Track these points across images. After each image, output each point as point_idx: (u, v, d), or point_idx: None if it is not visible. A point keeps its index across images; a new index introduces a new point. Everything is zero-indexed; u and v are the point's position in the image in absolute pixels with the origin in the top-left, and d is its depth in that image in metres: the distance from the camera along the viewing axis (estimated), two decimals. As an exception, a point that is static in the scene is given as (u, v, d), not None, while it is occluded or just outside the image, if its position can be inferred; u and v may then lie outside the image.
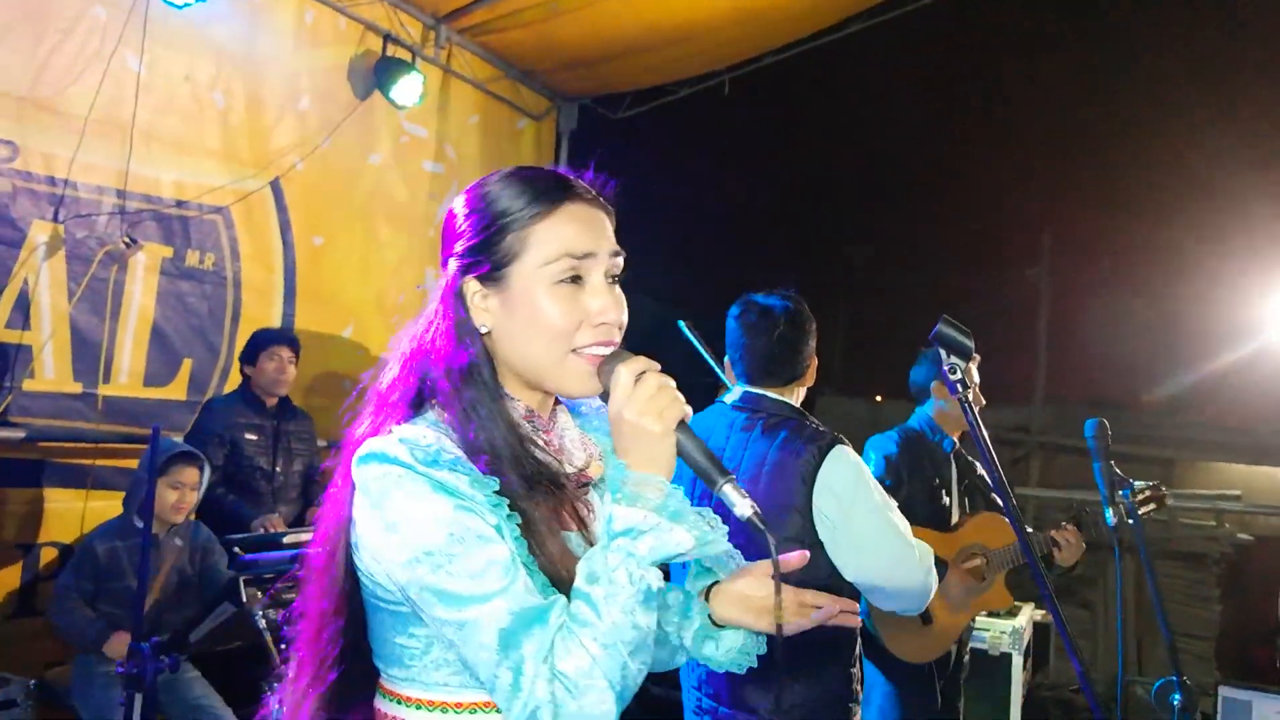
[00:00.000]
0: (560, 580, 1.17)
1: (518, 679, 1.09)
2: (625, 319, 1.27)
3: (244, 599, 2.71)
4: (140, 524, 3.48)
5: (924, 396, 3.65)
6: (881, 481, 2.81)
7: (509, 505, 1.17)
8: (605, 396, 1.22)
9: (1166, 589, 7.20)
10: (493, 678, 1.11)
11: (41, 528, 4.27)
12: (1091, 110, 6.39)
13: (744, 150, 6.58)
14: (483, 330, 1.26)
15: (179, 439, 4.18)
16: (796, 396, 2.60)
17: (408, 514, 1.14)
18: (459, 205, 1.30)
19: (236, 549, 3.04)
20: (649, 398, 1.16)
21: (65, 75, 4.19)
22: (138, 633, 2.71)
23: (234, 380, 4.73)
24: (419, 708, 1.23)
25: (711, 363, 2.73)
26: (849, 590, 2.38)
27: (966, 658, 3.53)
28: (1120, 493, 2.23)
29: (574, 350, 1.23)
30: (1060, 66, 6.29)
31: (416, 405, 1.26)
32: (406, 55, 5.45)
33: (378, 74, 5.34)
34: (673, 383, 1.19)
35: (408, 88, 5.36)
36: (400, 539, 1.14)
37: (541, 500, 1.21)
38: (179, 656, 2.91)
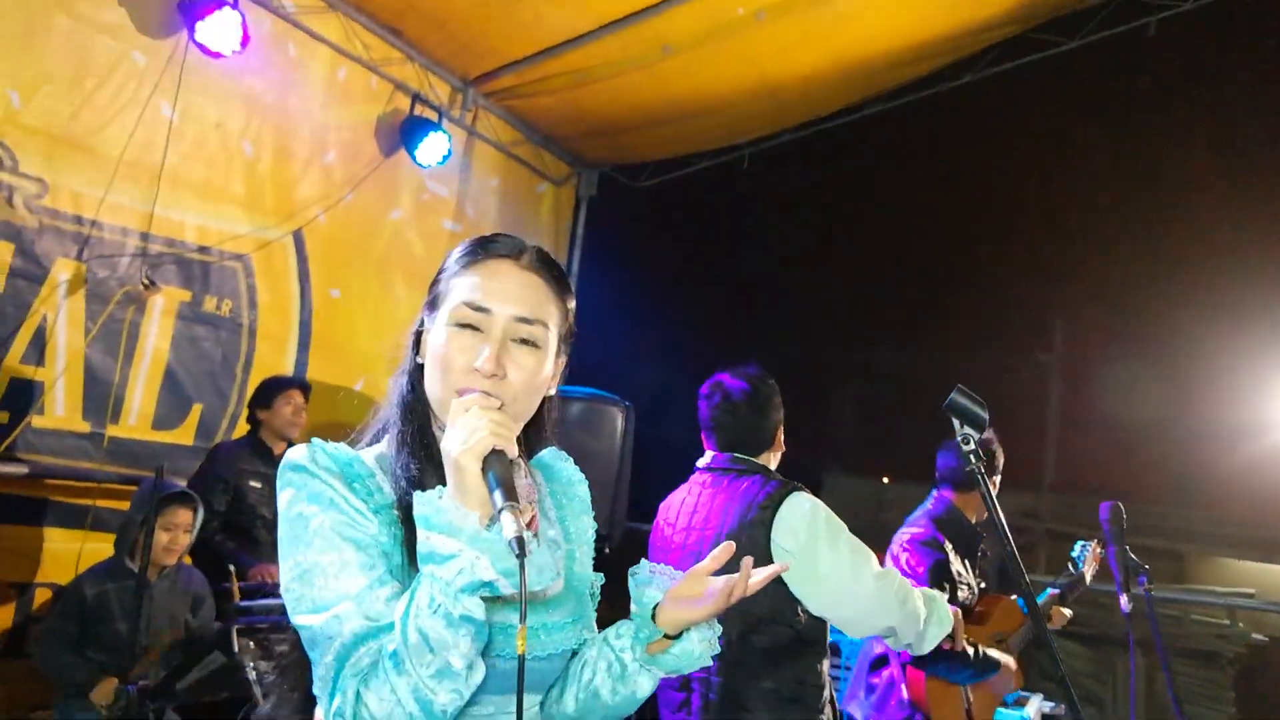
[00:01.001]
0: None
1: (334, 682, 1.16)
2: (520, 379, 1.30)
3: (235, 649, 2.64)
4: (133, 565, 3.42)
5: (951, 481, 3.55)
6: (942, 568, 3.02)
7: (399, 518, 1.25)
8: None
9: (1179, 688, 7.02)
10: (320, 681, 1.19)
11: (38, 568, 4.21)
12: (1107, 199, 6.45)
13: (760, 224, 6.65)
14: (419, 361, 1.38)
15: (183, 483, 4.15)
16: (771, 461, 2.76)
17: (289, 520, 1.24)
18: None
19: (228, 588, 2.99)
20: (464, 427, 1.18)
21: (101, 117, 4.27)
22: (124, 676, 2.64)
23: (242, 428, 4.71)
24: None
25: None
26: (819, 630, 2.49)
27: None
28: (1136, 580, 2.17)
29: (455, 390, 1.29)
30: (1074, 154, 6.37)
31: (381, 433, 1.40)
32: (433, 115, 5.55)
33: (404, 132, 5.43)
34: (502, 417, 1.21)
35: (432, 147, 5.44)
36: (281, 538, 1.24)
37: None
38: (165, 704, 2.83)
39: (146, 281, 4.41)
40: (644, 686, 1.41)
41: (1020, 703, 4.20)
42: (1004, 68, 5.75)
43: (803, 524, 2.44)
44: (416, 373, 1.37)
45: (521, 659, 1.13)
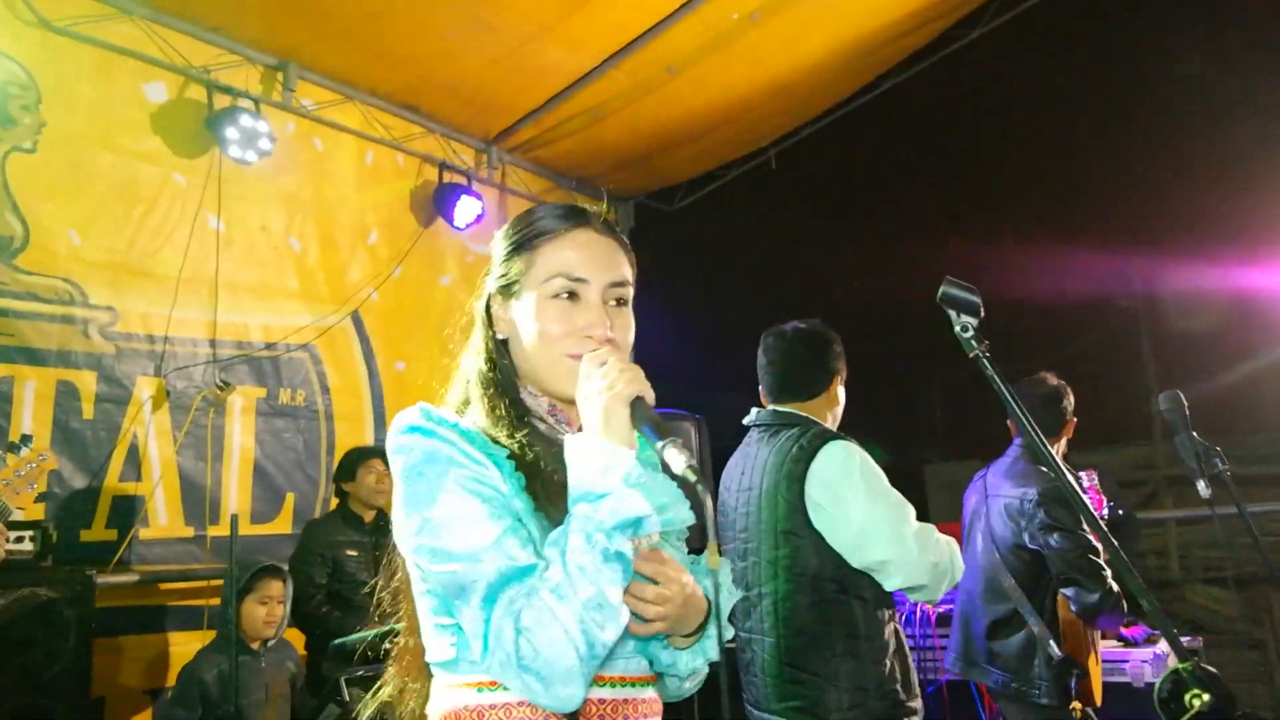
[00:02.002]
0: None
1: (487, 629, 1.18)
2: (622, 337, 1.38)
3: (347, 697, 2.73)
4: (244, 639, 3.56)
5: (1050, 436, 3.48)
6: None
7: (515, 467, 1.29)
8: None
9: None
10: (472, 631, 1.20)
11: (169, 672, 4.39)
12: (1154, 126, 6.26)
13: (798, 220, 6.64)
14: (500, 338, 1.43)
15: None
16: (824, 416, 2.68)
17: (412, 479, 1.27)
18: (500, 232, 1.50)
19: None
20: (605, 379, 1.26)
21: (154, 240, 4.54)
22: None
23: (334, 502, 4.87)
24: (456, 690, 1.28)
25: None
26: (868, 584, 2.44)
27: None
28: (1212, 461, 2.10)
29: (565, 354, 1.35)
30: (1111, 87, 6.21)
31: (460, 410, 1.41)
32: (462, 179, 5.74)
33: (437, 201, 5.63)
34: (635, 367, 1.28)
35: (466, 210, 5.62)
36: (406, 501, 1.27)
37: (549, 466, 1.31)
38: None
39: (221, 384, 4.63)
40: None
41: (1151, 640, 4.04)
42: (1015, 12, 5.68)
43: (836, 474, 2.42)
44: (497, 349, 1.43)
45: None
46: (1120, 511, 3.61)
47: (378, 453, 4.61)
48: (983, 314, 1.45)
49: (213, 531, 4.61)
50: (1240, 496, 2.25)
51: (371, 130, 5.46)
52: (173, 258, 4.58)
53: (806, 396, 2.68)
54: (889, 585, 2.41)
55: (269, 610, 3.61)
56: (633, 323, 1.41)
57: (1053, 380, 3.54)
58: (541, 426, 1.40)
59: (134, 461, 4.39)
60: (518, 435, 1.33)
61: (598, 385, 1.26)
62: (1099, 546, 3.05)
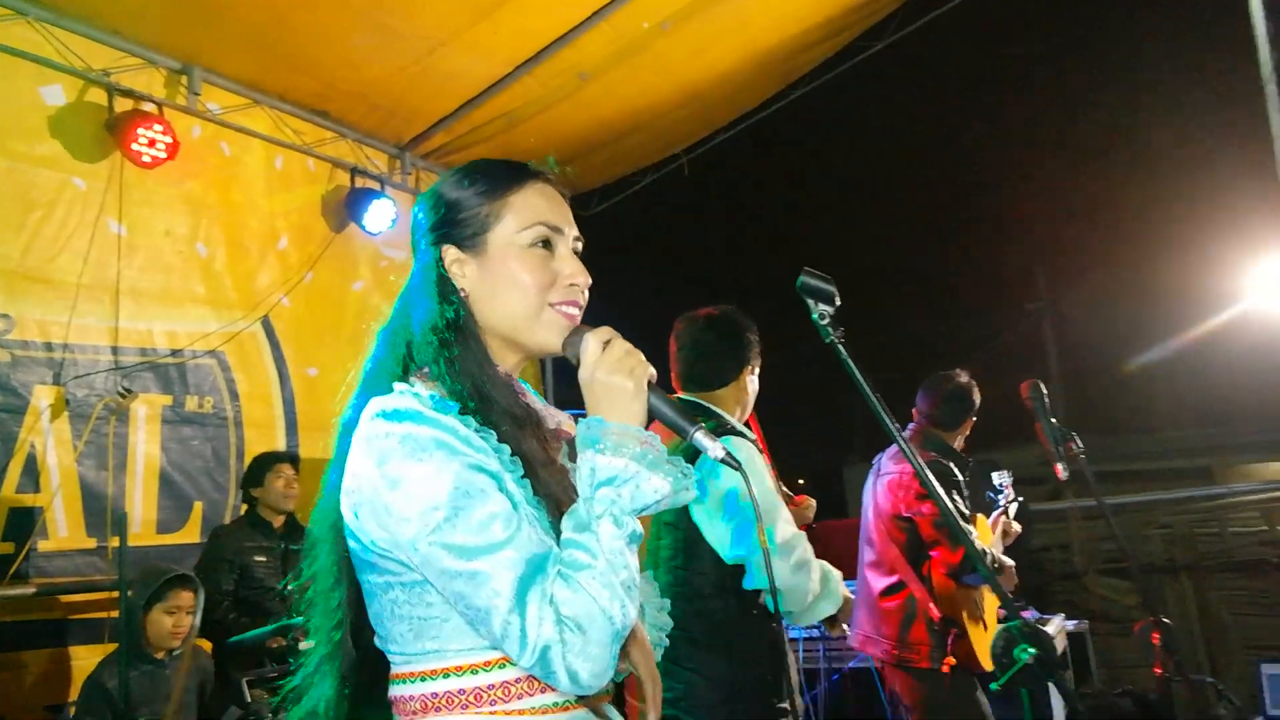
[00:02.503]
0: (554, 514, 1.26)
1: (524, 623, 1.15)
2: (589, 284, 1.37)
3: (249, 698, 2.72)
4: (149, 650, 3.52)
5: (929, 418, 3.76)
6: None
7: (509, 452, 1.25)
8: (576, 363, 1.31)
9: (1230, 603, 6.93)
10: (504, 624, 1.16)
11: (71, 687, 4.29)
12: (1050, 133, 6.54)
13: (710, 226, 6.76)
14: (462, 293, 1.34)
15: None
16: (730, 408, 2.60)
17: (411, 470, 1.19)
18: (429, 193, 1.42)
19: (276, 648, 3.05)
20: (618, 359, 1.26)
21: (52, 246, 4.44)
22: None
23: (243, 508, 4.81)
24: (447, 676, 1.24)
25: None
26: (736, 578, 2.41)
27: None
28: (1069, 445, 2.24)
29: (549, 304, 1.33)
30: (1001, 96, 6.47)
31: (400, 378, 1.32)
32: (375, 185, 5.72)
33: (349, 206, 5.60)
34: (637, 349, 1.28)
35: (380, 215, 5.60)
36: (405, 495, 1.19)
37: (534, 444, 1.30)
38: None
39: (123, 391, 4.54)
40: None
41: (1042, 623, 4.23)
42: (916, 25, 5.89)
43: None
44: (458, 295, 1.33)
45: (767, 553, 1.30)
46: (1019, 503, 3.88)
47: (286, 457, 4.58)
48: (838, 302, 1.54)
49: (114, 543, 4.51)
50: (1121, 488, 2.41)
51: (281, 135, 5.42)
52: (72, 263, 4.48)
53: (713, 386, 2.60)
54: (747, 583, 2.38)
55: (176, 620, 3.56)
56: None
57: (961, 378, 3.74)
58: (511, 392, 1.34)
59: (31, 472, 4.28)
60: (501, 406, 1.29)
61: (610, 365, 1.25)
62: (962, 514, 3.29)
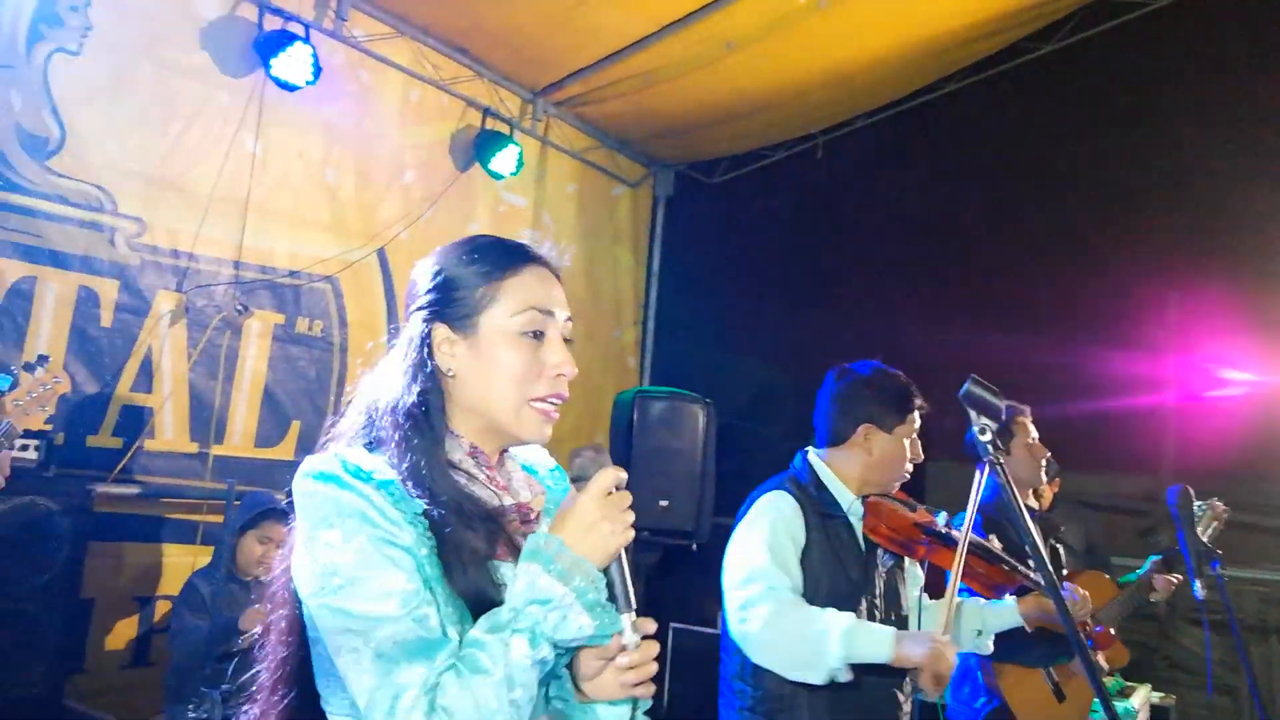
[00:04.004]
0: (481, 603, 1.24)
1: (395, 703, 1.14)
2: (575, 374, 1.39)
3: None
4: (233, 570, 3.65)
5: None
6: None
7: (429, 527, 1.25)
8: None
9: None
10: (370, 701, 1.15)
11: (159, 582, 4.49)
12: (1207, 163, 6.10)
13: (838, 212, 6.55)
14: (449, 373, 1.36)
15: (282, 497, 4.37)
16: (849, 469, 2.52)
17: (322, 531, 1.21)
18: (428, 264, 1.44)
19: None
20: (615, 512, 1.25)
21: (190, 157, 4.52)
22: (215, 680, 2.81)
23: (338, 441, 4.92)
24: None
25: None
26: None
27: None
28: (1209, 565, 2.09)
29: (530, 400, 1.35)
30: (1175, 115, 6.04)
31: (368, 446, 1.34)
32: (505, 128, 5.67)
33: (477, 147, 5.57)
34: (631, 513, 1.28)
35: (506, 159, 5.57)
36: (312, 554, 1.22)
37: (470, 531, 1.27)
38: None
39: (240, 307, 4.65)
40: None
41: (1125, 693, 4.06)
42: (1088, 34, 5.53)
43: (746, 516, 2.38)
44: (430, 379, 1.34)
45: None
46: None
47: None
48: (1003, 419, 1.44)
49: (216, 450, 4.67)
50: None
51: (420, 68, 5.39)
52: (206, 175, 4.56)
53: (828, 444, 2.57)
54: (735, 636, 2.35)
55: (265, 550, 3.67)
56: None
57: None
58: (460, 477, 1.33)
59: (146, 373, 4.43)
60: (438, 495, 1.27)
61: (609, 506, 1.25)
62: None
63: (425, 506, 1.25)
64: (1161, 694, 4.44)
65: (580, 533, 1.23)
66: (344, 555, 1.19)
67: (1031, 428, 3.37)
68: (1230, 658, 7.04)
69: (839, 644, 2.18)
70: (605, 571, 1.25)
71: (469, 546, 1.26)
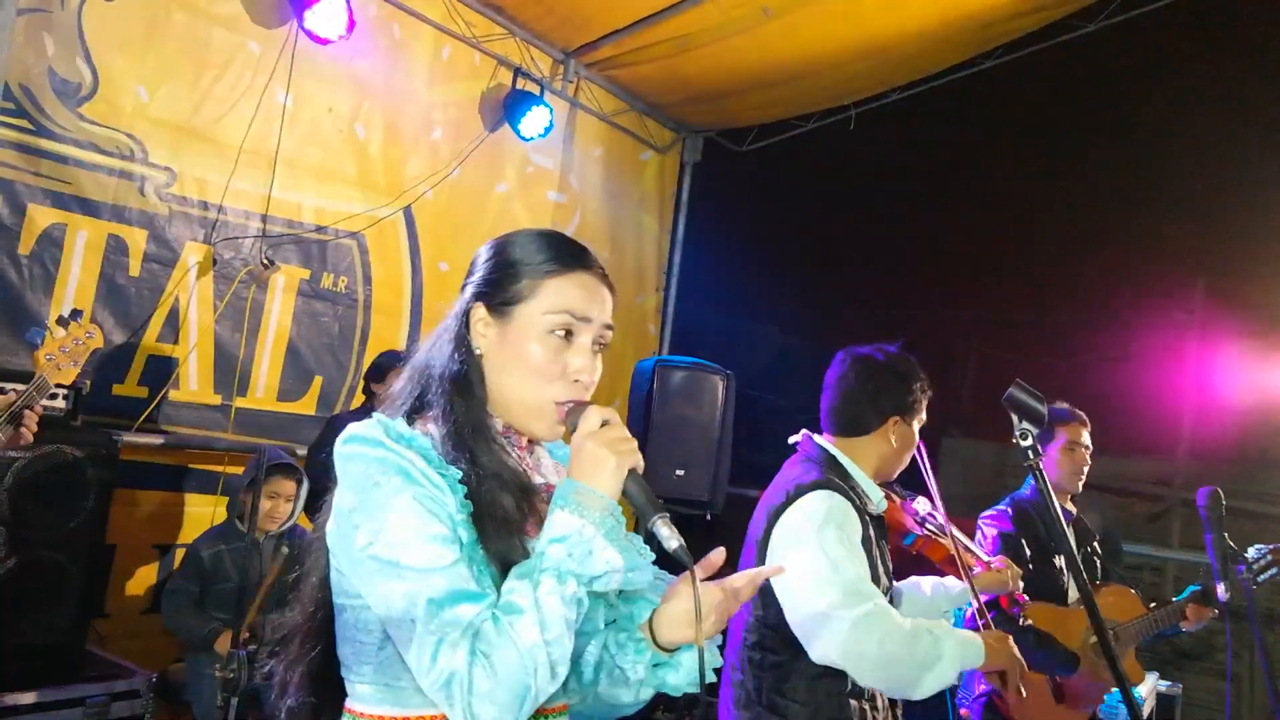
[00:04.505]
0: (503, 573, 1.27)
1: (439, 646, 1.17)
2: (595, 384, 1.41)
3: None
4: (243, 528, 3.69)
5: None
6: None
7: (465, 494, 1.29)
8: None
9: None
10: (417, 648, 1.19)
11: (179, 530, 4.55)
12: (1255, 148, 5.99)
13: (869, 185, 6.48)
14: (477, 351, 1.41)
15: (300, 450, 4.41)
16: (868, 460, 2.44)
17: (366, 489, 1.25)
18: (489, 246, 1.47)
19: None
20: (612, 438, 1.29)
21: (221, 107, 4.50)
22: (236, 638, 2.86)
23: (359, 399, 4.94)
24: None
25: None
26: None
27: None
28: (1235, 567, 2.08)
29: (545, 398, 1.37)
30: (1213, 91, 5.93)
31: (416, 410, 1.40)
32: (535, 88, 5.62)
33: (507, 107, 5.52)
34: (633, 439, 1.31)
35: (535, 120, 5.52)
36: (355, 510, 1.26)
37: (509, 498, 1.32)
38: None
39: (266, 261, 4.65)
40: (626, 700, 1.42)
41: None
42: (1130, 15, 5.40)
43: (797, 523, 2.23)
44: (472, 361, 1.40)
45: (701, 652, 1.26)
46: None
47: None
48: (1045, 423, 1.43)
49: (239, 402, 4.70)
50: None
51: (452, 25, 5.33)
52: (237, 127, 4.54)
53: (850, 433, 2.44)
54: (811, 654, 2.20)
55: (274, 506, 3.72)
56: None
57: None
58: (494, 448, 1.37)
59: (173, 324, 4.45)
60: (478, 459, 1.32)
61: (603, 439, 1.28)
62: None
63: (462, 472, 1.30)
64: (1168, 682, 4.45)
65: (589, 469, 1.27)
66: (389, 509, 1.23)
67: (1080, 434, 3.32)
68: (1234, 644, 7.07)
69: (952, 667, 2.13)
70: (625, 494, 1.29)
71: (503, 512, 1.30)
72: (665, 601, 1.39)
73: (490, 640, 1.17)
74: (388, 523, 1.22)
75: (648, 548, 1.34)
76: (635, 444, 1.31)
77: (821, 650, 2.15)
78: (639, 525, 1.39)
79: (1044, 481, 1.47)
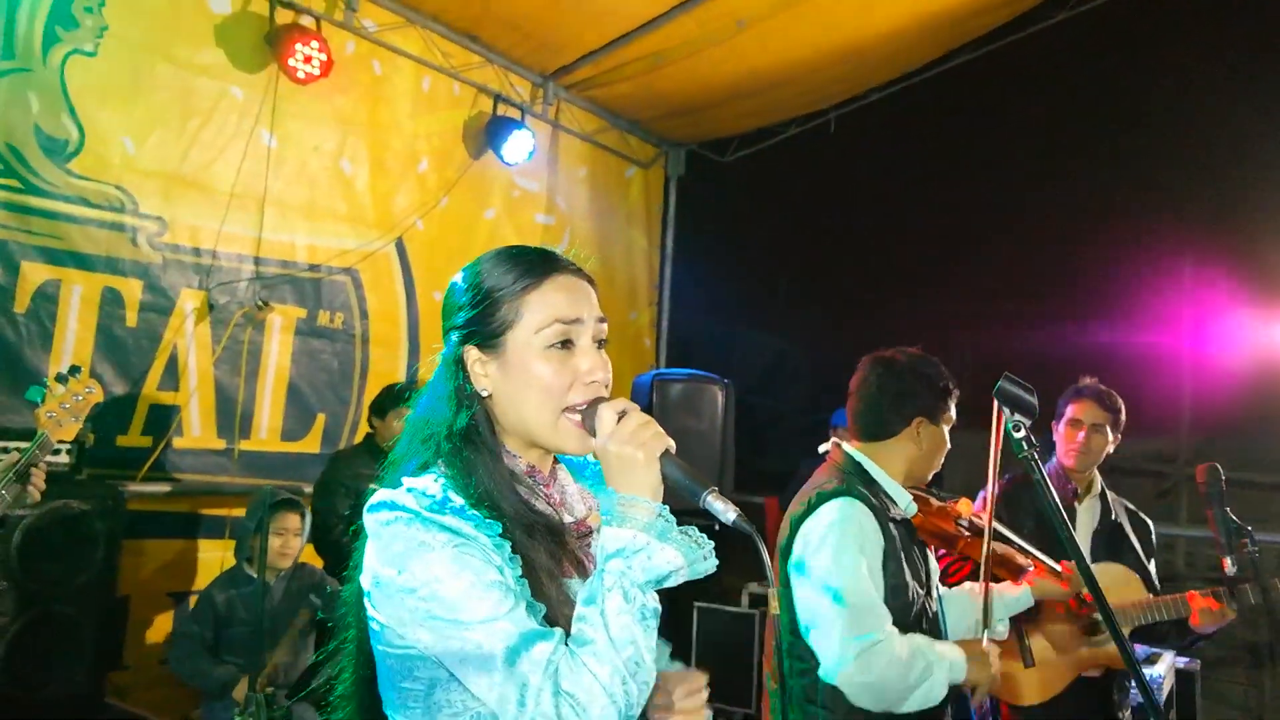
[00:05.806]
0: (557, 623, 1.23)
1: (523, 694, 1.15)
2: (611, 378, 1.37)
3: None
4: (251, 571, 3.70)
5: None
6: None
7: (510, 549, 1.25)
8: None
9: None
10: (500, 697, 1.17)
11: (193, 577, 4.55)
12: (1227, 134, 6.04)
13: (853, 186, 6.52)
14: (484, 394, 1.36)
15: (305, 488, 4.43)
16: (895, 463, 2.43)
17: (413, 553, 1.21)
18: (456, 282, 1.42)
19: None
20: (631, 432, 1.26)
21: (208, 153, 4.54)
22: (253, 682, 2.87)
23: (363, 431, 4.96)
24: None
25: None
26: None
27: (1126, 715, 3.32)
28: (1241, 540, 2.10)
29: (566, 409, 1.33)
30: (1193, 75, 5.97)
31: (424, 467, 1.34)
32: (516, 114, 5.66)
33: (489, 133, 5.57)
34: (653, 421, 1.28)
35: (518, 145, 5.56)
36: (407, 575, 1.21)
37: (541, 547, 1.29)
38: (293, 699, 3.06)
39: (260, 303, 4.68)
40: None
41: (1152, 660, 4.08)
42: (1100, 2, 5.46)
43: (814, 534, 2.25)
44: (474, 402, 1.35)
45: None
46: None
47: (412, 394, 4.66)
48: (1037, 414, 1.45)
49: (243, 445, 4.72)
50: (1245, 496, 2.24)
51: (430, 57, 5.39)
52: (225, 172, 4.58)
53: (875, 438, 2.44)
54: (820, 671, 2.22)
55: (284, 542, 3.74)
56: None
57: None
58: (522, 490, 1.34)
59: (173, 372, 4.47)
60: (505, 509, 1.28)
61: (623, 437, 1.25)
62: None
63: (503, 527, 1.26)
64: (1186, 659, 4.45)
65: (621, 474, 1.25)
66: (440, 566, 1.19)
67: (1083, 411, 3.29)
68: (1250, 616, 7.05)
69: (940, 688, 2.19)
70: (665, 476, 1.26)
71: (543, 562, 1.28)
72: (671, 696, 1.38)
73: (569, 678, 1.15)
74: (441, 582, 1.19)
75: (704, 535, 1.27)
76: (657, 426, 1.27)
77: (824, 670, 2.21)
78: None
79: (1040, 472, 1.49)
